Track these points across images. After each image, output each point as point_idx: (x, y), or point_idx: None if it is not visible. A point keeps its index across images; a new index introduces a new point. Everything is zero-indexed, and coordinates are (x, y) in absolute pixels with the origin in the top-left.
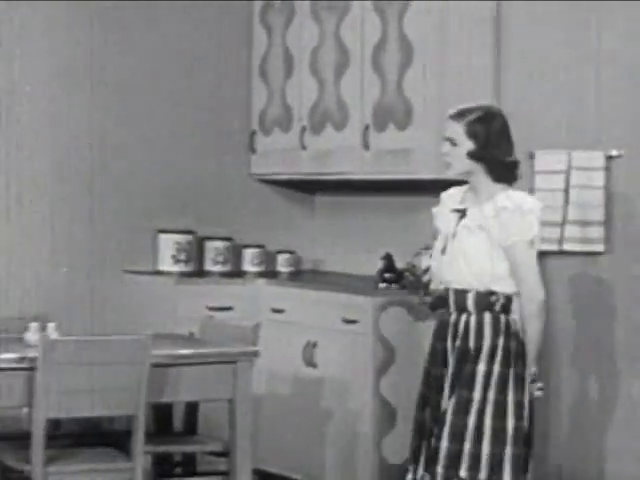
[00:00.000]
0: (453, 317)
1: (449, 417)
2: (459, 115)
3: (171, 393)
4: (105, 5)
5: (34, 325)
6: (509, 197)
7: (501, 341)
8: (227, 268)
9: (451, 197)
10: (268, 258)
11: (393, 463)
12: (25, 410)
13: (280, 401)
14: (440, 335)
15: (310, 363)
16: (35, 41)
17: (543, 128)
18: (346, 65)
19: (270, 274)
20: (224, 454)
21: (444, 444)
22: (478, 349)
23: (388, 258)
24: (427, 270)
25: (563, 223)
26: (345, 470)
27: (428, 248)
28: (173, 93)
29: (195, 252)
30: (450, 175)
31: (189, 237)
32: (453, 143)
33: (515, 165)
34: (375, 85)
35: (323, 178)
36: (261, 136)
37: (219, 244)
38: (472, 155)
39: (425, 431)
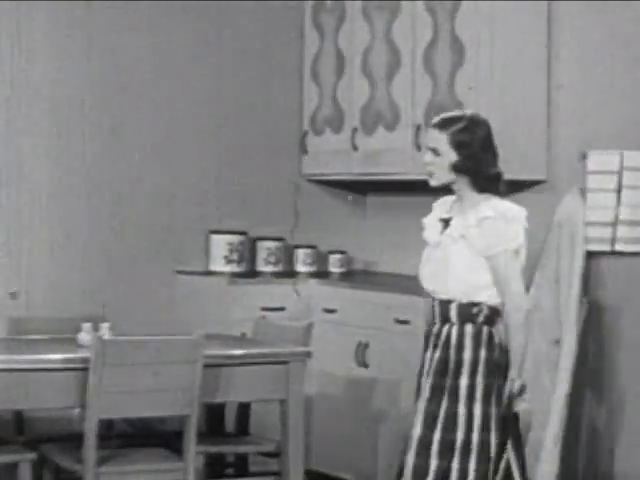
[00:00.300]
0: (436, 327)
1: (438, 434)
2: (443, 124)
3: (223, 393)
4: (155, 5)
5: (87, 325)
6: (492, 206)
7: (482, 353)
8: (279, 268)
9: (441, 206)
10: (320, 258)
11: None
12: (77, 411)
13: (332, 402)
14: (424, 346)
15: (362, 364)
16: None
17: (596, 128)
18: (397, 65)
19: (322, 274)
20: (276, 454)
21: (433, 462)
22: (459, 361)
23: None
24: None
25: (615, 223)
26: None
27: None
28: (226, 94)
29: (247, 253)
30: (433, 185)
31: (241, 238)
32: (436, 153)
33: (499, 177)
34: (426, 85)
35: (374, 178)
36: (312, 137)
37: (271, 244)
38: (455, 167)
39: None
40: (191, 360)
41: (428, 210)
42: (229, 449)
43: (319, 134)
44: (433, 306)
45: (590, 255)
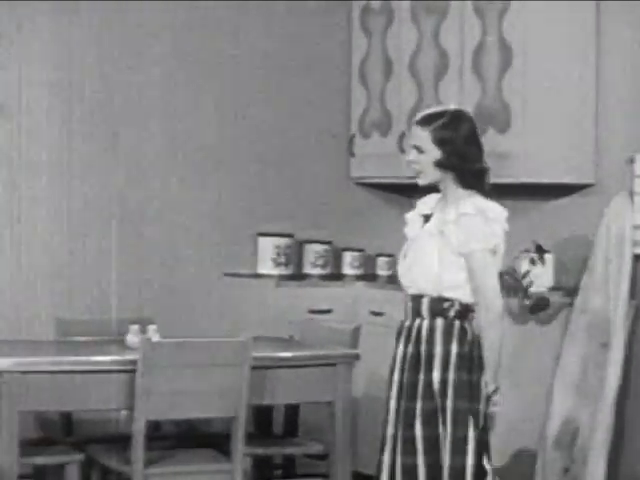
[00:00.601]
0: (408, 322)
1: (418, 430)
2: (425, 121)
3: (271, 395)
4: (203, 6)
5: (135, 327)
6: (472, 203)
7: (454, 347)
8: (326, 271)
9: (425, 203)
10: (367, 261)
11: (495, 465)
12: (124, 412)
13: (379, 404)
14: (396, 341)
15: None
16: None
17: None
18: (445, 68)
19: (369, 277)
20: (323, 457)
21: (420, 459)
22: (430, 356)
23: None
24: (527, 274)
25: None
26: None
27: (528, 251)
28: (274, 96)
29: (295, 255)
30: (420, 184)
31: (289, 240)
32: (420, 150)
33: (484, 172)
34: (474, 88)
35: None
36: (360, 140)
37: (318, 247)
38: (439, 164)
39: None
40: (239, 362)
41: None
42: (277, 451)
43: (367, 137)
44: (407, 301)
45: (638, 258)
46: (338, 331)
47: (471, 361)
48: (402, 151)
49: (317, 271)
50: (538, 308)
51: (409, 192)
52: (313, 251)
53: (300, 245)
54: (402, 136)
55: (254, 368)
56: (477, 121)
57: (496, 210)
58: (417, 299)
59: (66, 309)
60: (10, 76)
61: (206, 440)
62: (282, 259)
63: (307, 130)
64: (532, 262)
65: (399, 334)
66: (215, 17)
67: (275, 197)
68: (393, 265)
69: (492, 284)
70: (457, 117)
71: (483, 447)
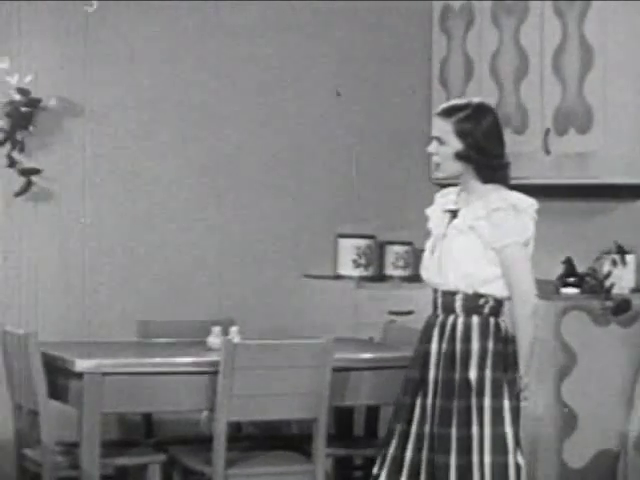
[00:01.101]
0: (440, 319)
1: (454, 430)
2: (447, 112)
3: (352, 397)
4: (277, 6)
5: (216, 329)
6: (502, 197)
7: (490, 345)
8: (407, 272)
9: (445, 197)
10: None
11: (574, 467)
12: (205, 413)
13: None
14: (424, 338)
15: None
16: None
17: None
18: (526, 69)
19: None
20: None
21: (452, 458)
22: (466, 354)
23: (569, 262)
24: (609, 275)
25: None
26: (526, 475)
27: (609, 252)
28: (355, 99)
29: (375, 256)
30: (439, 177)
31: (369, 241)
32: (441, 142)
33: (505, 166)
34: (555, 89)
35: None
36: None
37: (399, 248)
38: (460, 156)
39: (394, 438)
40: (320, 364)
41: (557, 214)
42: (357, 452)
43: None
44: (436, 298)
45: None
46: (419, 332)
47: (506, 358)
48: None
49: (398, 272)
50: (620, 310)
51: None
52: (394, 252)
53: (381, 246)
54: None
55: (335, 370)
56: (557, 121)
57: (525, 201)
58: (449, 296)
59: (148, 311)
60: (92, 76)
61: (287, 441)
62: (363, 260)
63: (388, 131)
64: (613, 263)
65: (428, 330)
66: (294, 18)
67: (356, 198)
68: None
69: (527, 277)
70: (480, 110)
71: (518, 443)
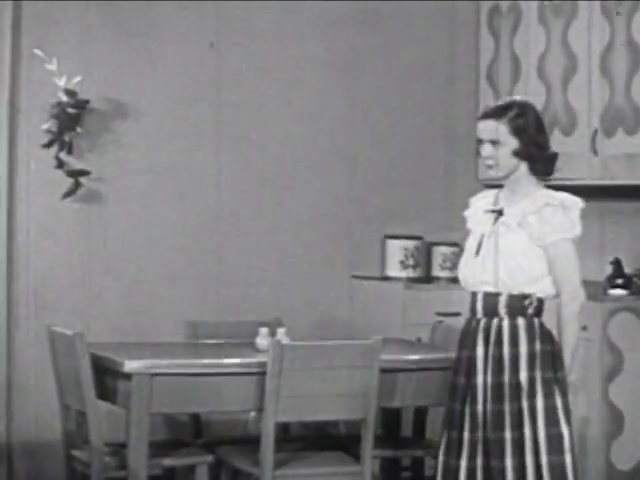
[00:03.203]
0: (483, 323)
1: (507, 433)
2: (498, 113)
3: (400, 398)
4: (328, 6)
5: (264, 330)
6: (550, 194)
7: (538, 346)
8: (454, 273)
9: (482, 199)
10: None
11: (621, 469)
12: (252, 414)
13: None
14: (465, 343)
15: None
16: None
17: None
18: (573, 70)
19: None
20: None
21: (507, 462)
22: (515, 356)
23: (617, 264)
24: None
25: None
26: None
27: None
28: (403, 99)
29: (423, 258)
30: (498, 176)
31: (417, 243)
32: (496, 144)
33: (555, 157)
34: (603, 90)
35: (550, 183)
36: None
37: (446, 250)
38: (518, 153)
39: (455, 448)
40: (368, 365)
41: (605, 215)
42: (405, 453)
43: None
44: (475, 300)
45: None
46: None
47: (555, 357)
48: None
49: (445, 274)
50: None
51: None
52: (441, 253)
53: (428, 247)
54: None
55: (383, 371)
56: (605, 122)
57: (574, 200)
58: (492, 297)
59: (196, 311)
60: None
61: (334, 442)
62: (410, 261)
63: (436, 132)
64: None
65: (472, 335)
66: (336, 16)
67: (403, 199)
68: None
69: (576, 274)
70: (526, 106)
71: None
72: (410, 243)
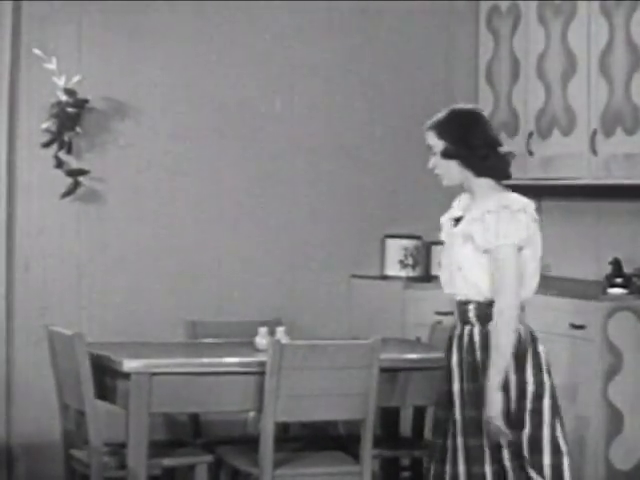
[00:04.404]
0: (458, 330)
1: (485, 440)
2: (430, 124)
3: (399, 398)
4: (335, 7)
5: (263, 329)
6: (497, 199)
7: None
8: None
9: (459, 205)
10: None
11: (620, 469)
12: (252, 414)
13: None
14: (446, 350)
15: None
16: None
17: None
18: (573, 70)
19: None
20: None
21: (487, 468)
22: (487, 363)
23: (616, 263)
24: None
25: None
26: (572, 475)
27: None
28: (403, 98)
29: (422, 257)
30: (446, 185)
31: (416, 242)
32: (432, 152)
33: (492, 157)
34: (602, 90)
35: (550, 183)
36: None
37: None
38: (446, 154)
39: (440, 455)
40: (367, 364)
41: (604, 215)
42: (404, 453)
43: None
44: (455, 307)
45: None
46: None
47: (525, 361)
48: (530, 153)
49: None
50: None
51: (536, 194)
52: (440, 253)
53: (428, 247)
54: (530, 137)
55: (382, 370)
56: (604, 122)
57: (521, 202)
58: (463, 305)
59: (195, 311)
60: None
61: (333, 442)
62: (409, 261)
63: None
64: None
65: (449, 342)
66: (336, 18)
67: (402, 199)
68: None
69: (511, 283)
70: (456, 111)
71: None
72: (409, 243)
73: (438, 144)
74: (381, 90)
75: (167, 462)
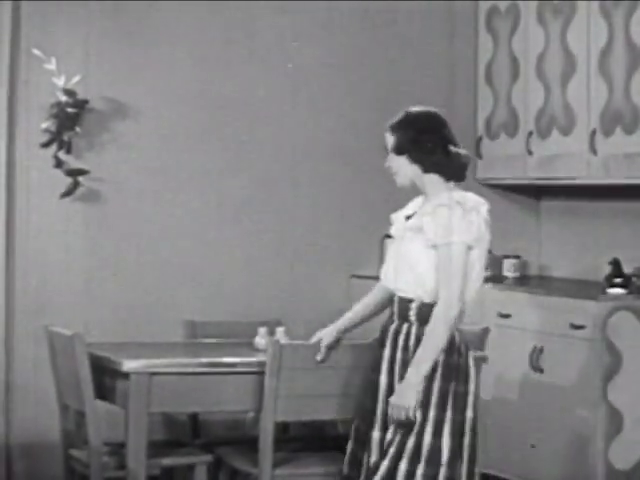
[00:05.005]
0: (394, 325)
1: (396, 437)
2: (388, 125)
3: None
4: (336, 6)
5: (263, 329)
6: (450, 196)
7: (442, 356)
8: None
9: (414, 203)
10: (494, 263)
11: (620, 469)
12: (251, 414)
13: (507, 406)
14: (381, 342)
15: (537, 368)
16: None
17: None
18: (572, 70)
19: (496, 279)
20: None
21: (385, 462)
22: None
23: (616, 263)
24: None
25: None
26: (572, 475)
27: None
28: (402, 99)
29: None
30: (398, 183)
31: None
32: (387, 151)
33: (433, 151)
34: (602, 89)
35: (549, 183)
36: (487, 141)
37: None
38: (395, 150)
39: (360, 442)
40: (364, 364)
41: (604, 215)
42: None
43: (494, 139)
44: (393, 302)
45: None
46: (466, 333)
47: (457, 370)
48: (529, 153)
49: None
50: None
51: (536, 193)
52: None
53: None
54: (529, 137)
55: None
56: (603, 122)
57: (475, 201)
58: (405, 303)
59: (195, 311)
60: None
61: (333, 442)
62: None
63: None
64: None
65: (384, 335)
66: (336, 19)
67: (402, 199)
68: (521, 267)
69: (456, 282)
70: (412, 113)
71: (458, 456)
72: None
73: (389, 140)
74: (381, 90)
75: (166, 462)
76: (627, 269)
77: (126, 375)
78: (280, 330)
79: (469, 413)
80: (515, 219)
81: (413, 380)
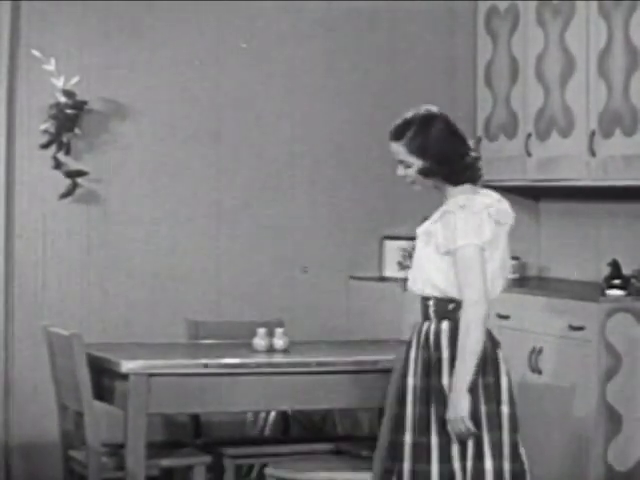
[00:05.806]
0: (418, 326)
1: (435, 438)
2: (397, 134)
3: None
4: (335, 6)
5: (262, 330)
6: (459, 199)
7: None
8: None
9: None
10: None
11: (619, 470)
12: (250, 414)
13: None
14: (408, 344)
15: (535, 369)
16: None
17: None
18: (571, 71)
19: None
20: None
21: (434, 467)
22: (438, 361)
23: (615, 264)
24: None
25: None
26: (571, 477)
27: None
28: (402, 99)
29: None
30: (416, 190)
31: (415, 243)
32: (405, 164)
33: (469, 166)
34: (601, 91)
35: (548, 185)
36: (486, 142)
37: None
38: (424, 172)
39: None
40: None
41: (603, 216)
42: None
43: (493, 140)
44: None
45: None
46: None
47: (484, 362)
48: (529, 154)
49: None
50: None
51: (535, 195)
52: None
53: None
54: (528, 139)
55: (381, 371)
56: (603, 124)
57: (483, 203)
58: (424, 301)
59: (196, 312)
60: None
61: (333, 442)
62: (408, 262)
63: None
64: None
65: (411, 338)
66: (334, 20)
67: (401, 200)
68: (520, 268)
69: (477, 282)
70: (425, 121)
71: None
72: (408, 244)
73: (412, 160)
74: (380, 91)
75: (165, 463)
76: (626, 271)
77: (125, 376)
78: (279, 331)
79: (504, 409)
80: (515, 221)
81: (460, 390)
